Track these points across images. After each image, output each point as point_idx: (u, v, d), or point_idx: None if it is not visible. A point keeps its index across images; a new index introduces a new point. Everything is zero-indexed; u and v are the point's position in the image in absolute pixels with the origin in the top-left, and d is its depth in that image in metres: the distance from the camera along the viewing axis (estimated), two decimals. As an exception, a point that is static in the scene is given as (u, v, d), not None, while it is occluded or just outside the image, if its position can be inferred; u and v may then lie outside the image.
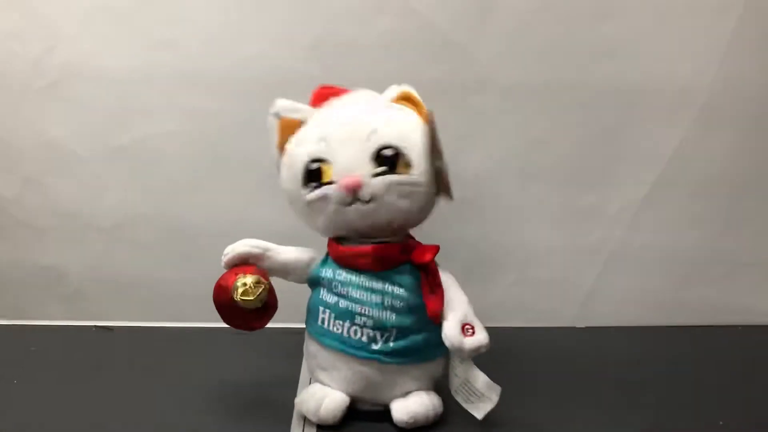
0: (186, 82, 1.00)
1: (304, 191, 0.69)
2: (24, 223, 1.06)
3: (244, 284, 0.68)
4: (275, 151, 0.74)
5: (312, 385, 0.74)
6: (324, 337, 0.71)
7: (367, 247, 0.69)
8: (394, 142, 0.67)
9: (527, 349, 0.91)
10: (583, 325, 1.01)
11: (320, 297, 0.72)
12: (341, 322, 0.70)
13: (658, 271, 1.07)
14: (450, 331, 0.66)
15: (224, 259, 0.73)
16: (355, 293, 0.69)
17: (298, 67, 0.98)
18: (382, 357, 0.69)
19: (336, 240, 0.72)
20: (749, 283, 1.08)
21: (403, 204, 0.68)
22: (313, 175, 0.68)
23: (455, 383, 0.70)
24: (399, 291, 0.69)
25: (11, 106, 1.02)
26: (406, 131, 0.68)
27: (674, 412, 0.75)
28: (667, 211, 1.05)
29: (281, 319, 0.92)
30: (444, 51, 0.98)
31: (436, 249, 0.70)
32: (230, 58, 0.99)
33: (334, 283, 0.71)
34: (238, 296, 0.68)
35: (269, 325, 0.93)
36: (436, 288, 0.69)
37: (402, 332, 0.69)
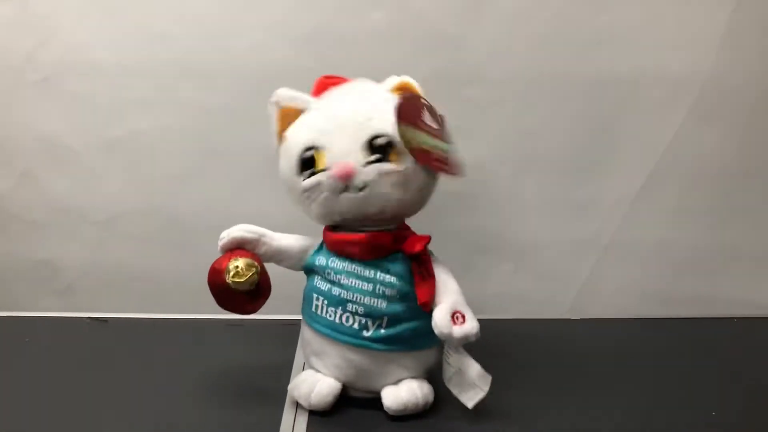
0: (180, 75, 1.00)
1: (299, 179, 0.70)
2: (18, 216, 1.06)
3: (236, 267, 0.69)
4: (275, 139, 0.74)
5: (305, 371, 0.75)
6: (317, 323, 0.72)
7: (359, 235, 0.70)
8: (387, 131, 0.67)
9: (523, 341, 0.92)
10: (578, 317, 1.01)
11: (314, 284, 0.73)
12: (334, 309, 0.70)
13: (653, 262, 1.07)
14: (439, 319, 0.66)
15: (220, 243, 0.74)
16: (347, 281, 0.70)
17: (293, 60, 0.98)
18: (373, 344, 0.69)
19: (330, 228, 0.73)
20: (743, 275, 1.08)
21: (396, 193, 0.68)
22: (308, 163, 0.69)
23: (448, 372, 0.70)
24: (390, 279, 0.69)
25: (5, 99, 1.02)
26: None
27: (668, 403, 0.75)
28: (662, 203, 1.05)
29: (276, 310, 0.93)
30: (438, 43, 0.98)
31: (427, 239, 0.70)
32: (225, 51, 0.99)
33: (327, 271, 0.71)
34: (229, 278, 0.69)
35: (263, 316, 0.93)
36: (428, 277, 0.69)
37: (393, 320, 0.69)
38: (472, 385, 0.68)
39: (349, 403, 0.72)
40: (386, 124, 0.67)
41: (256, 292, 0.72)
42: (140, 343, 0.89)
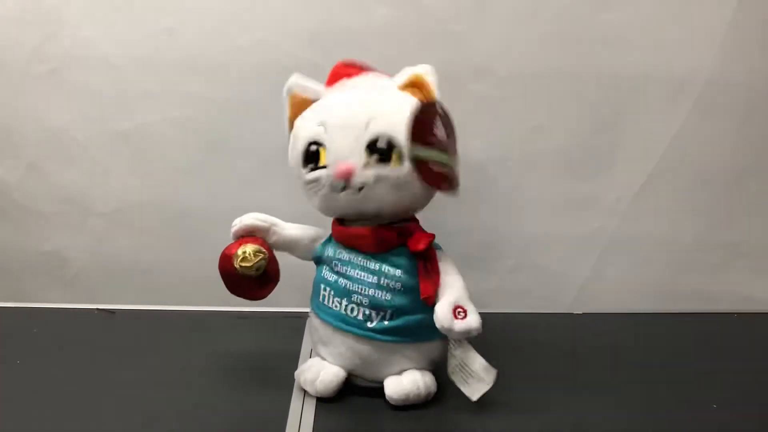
0: (186, 69, 1.00)
1: (303, 170, 0.71)
2: (26, 208, 1.06)
3: (244, 252, 0.71)
4: (287, 125, 0.76)
5: (312, 359, 0.76)
6: (324, 313, 0.73)
7: (365, 229, 0.71)
8: (390, 133, 0.67)
9: (525, 335, 0.92)
10: (580, 312, 1.02)
11: (322, 275, 0.74)
12: (339, 300, 0.71)
13: (655, 258, 1.08)
14: (441, 313, 0.67)
15: (233, 230, 0.75)
16: (353, 272, 0.71)
17: (297, 55, 0.99)
18: (377, 335, 0.70)
19: (338, 220, 0.74)
20: (745, 271, 1.08)
21: (393, 196, 0.69)
22: (312, 157, 0.70)
23: (452, 364, 0.70)
24: (396, 272, 0.70)
25: (12, 92, 1.02)
26: (404, 124, 0.68)
27: (669, 397, 0.76)
28: (664, 200, 1.06)
29: (282, 302, 0.94)
30: (443, 39, 0.99)
31: (431, 237, 0.71)
32: (230, 45, 1.00)
33: (334, 262, 0.73)
34: (237, 263, 0.71)
35: (270, 308, 0.95)
36: (432, 272, 0.70)
37: (398, 312, 0.70)
38: (476, 378, 0.69)
39: (354, 392, 0.73)
40: (389, 125, 0.67)
41: (264, 278, 0.74)
42: (147, 334, 0.90)
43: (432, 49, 0.98)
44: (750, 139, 1.04)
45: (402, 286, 0.70)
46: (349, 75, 0.74)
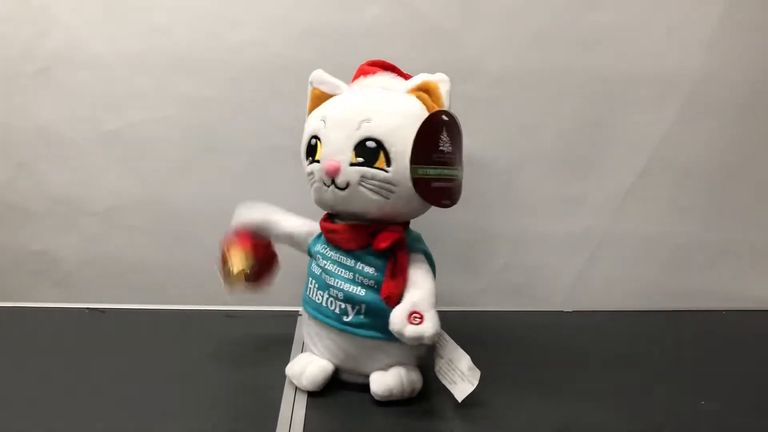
0: (177, 68, 1.01)
1: (305, 163, 0.73)
2: (17, 207, 1.06)
3: (228, 270, 0.76)
4: (307, 117, 0.77)
5: (302, 353, 0.77)
6: (309, 306, 0.75)
7: (341, 225, 0.72)
8: (380, 136, 0.67)
9: (516, 332, 0.93)
10: (570, 309, 1.03)
11: (311, 268, 0.76)
12: (321, 293, 0.73)
13: (644, 257, 1.08)
14: (394, 316, 0.66)
15: (232, 224, 0.79)
16: (332, 267, 0.72)
17: (289, 54, 0.99)
18: (354, 329, 0.71)
19: (325, 216, 0.76)
20: (733, 269, 1.09)
21: (375, 198, 0.69)
22: (311, 150, 0.72)
23: (438, 363, 0.71)
24: (368, 270, 0.70)
25: (3, 91, 1.02)
26: (399, 128, 0.68)
27: (658, 393, 0.76)
28: (654, 199, 1.06)
29: (273, 301, 0.94)
30: (434, 39, 0.99)
31: (395, 236, 0.70)
32: (222, 45, 1.00)
33: (318, 256, 0.74)
34: (224, 279, 0.77)
35: (261, 307, 0.95)
36: (398, 273, 0.69)
37: (372, 308, 0.70)
38: (461, 377, 0.69)
39: (341, 386, 0.74)
40: (380, 127, 0.68)
41: (257, 276, 0.77)
42: (138, 333, 0.90)
43: (423, 48, 0.98)
44: (738, 139, 1.05)
45: (376, 283, 0.70)
46: (366, 73, 0.75)
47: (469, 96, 1.00)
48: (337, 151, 0.68)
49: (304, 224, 0.78)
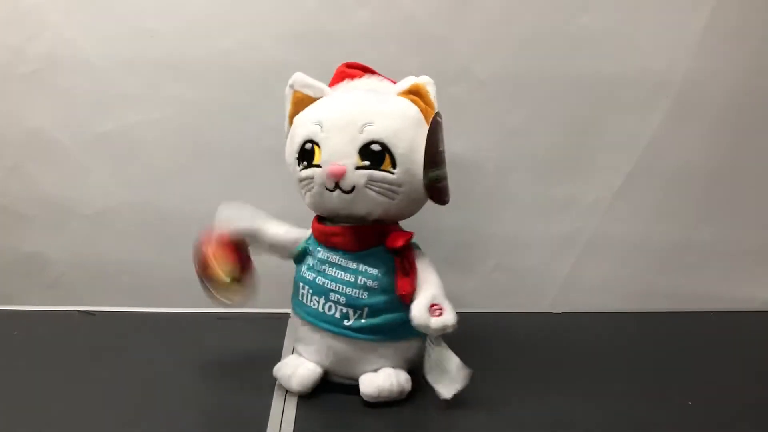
0: (168, 71, 1.01)
1: (297, 167, 0.73)
2: (7, 209, 1.06)
3: (212, 284, 0.75)
4: (286, 121, 0.77)
5: (291, 355, 0.77)
6: (302, 311, 0.75)
7: (345, 228, 0.72)
8: (384, 138, 0.69)
9: (506, 334, 0.94)
10: (560, 311, 1.03)
11: (301, 273, 0.75)
12: (317, 298, 0.73)
13: (633, 259, 1.09)
14: (417, 310, 0.68)
15: (217, 226, 0.77)
16: (331, 271, 0.72)
17: (279, 57, 0.99)
18: (354, 333, 0.72)
19: (319, 219, 0.75)
20: (721, 271, 1.10)
21: (381, 200, 0.70)
22: (306, 155, 0.71)
23: (428, 363, 0.71)
24: (372, 271, 0.71)
25: (-6, 93, 1.02)
26: (400, 130, 0.69)
27: (646, 393, 0.77)
28: (642, 201, 1.07)
29: (264, 303, 0.94)
30: (423, 42, 1.00)
31: (410, 235, 0.72)
32: (212, 48, 1.00)
33: (313, 261, 0.74)
34: (210, 290, 0.75)
35: (252, 309, 0.95)
36: (410, 270, 0.71)
37: (374, 311, 0.71)
38: (450, 377, 0.70)
39: (331, 389, 0.74)
40: (384, 130, 0.69)
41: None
42: (128, 336, 0.90)
43: (413, 51, 0.99)
44: (725, 141, 1.05)
45: (379, 285, 0.71)
46: (352, 77, 0.76)
47: (459, 99, 1.00)
48: (341, 155, 0.69)
49: (289, 231, 0.77)
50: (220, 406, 0.72)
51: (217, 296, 0.75)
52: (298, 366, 0.74)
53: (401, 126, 0.70)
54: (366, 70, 0.77)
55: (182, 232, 1.03)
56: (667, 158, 1.05)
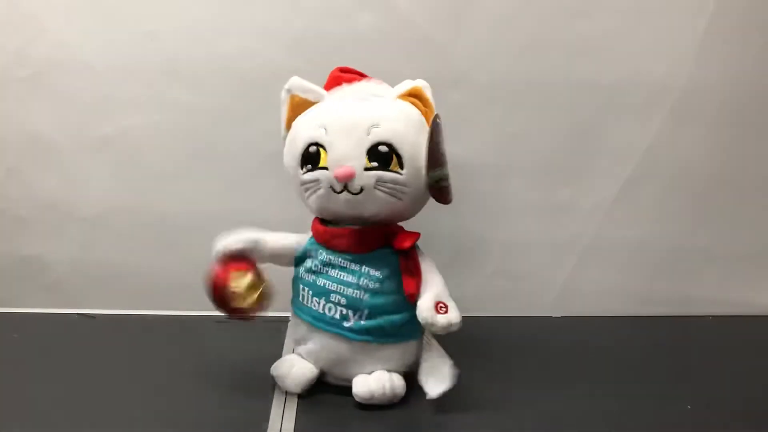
0: (168, 75, 1.01)
1: (300, 171, 0.73)
2: (7, 212, 1.05)
3: (237, 288, 0.72)
4: (283, 125, 0.77)
5: (289, 355, 0.78)
6: (302, 312, 0.75)
7: (350, 230, 0.73)
8: (391, 140, 0.69)
9: (505, 338, 0.94)
10: (559, 315, 1.04)
11: (300, 275, 0.76)
12: (318, 300, 0.73)
13: (632, 263, 1.09)
14: (424, 307, 0.69)
15: (217, 255, 0.75)
16: (333, 273, 0.73)
17: (279, 62, 0.99)
18: (353, 335, 0.72)
19: (321, 220, 0.76)
20: (719, 275, 1.10)
21: (390, 200, 0.71)
22: (311, 158, 0.72)
23: (424, 366, 0.73)
24: (376, 273, 0.72)
25: (-7, 96, 1.02)
26: (406, 131, 0.71)
27: (645, 396, 0.77)
28: (640, 206, 1.07)
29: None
30: (423, 47, 1.00)
31: (416, 236, 0.73)
32: (213, 52, 1.00)
33: (314, 263, 0.74)
34: (231, 303, 0.72)
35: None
36: (415, 271, 0.72)
37: (374, 312, 0.72)
38: (441, 377, 0.70)
39: (327, 389, 0.75)
40: (391, 131, 0.70)
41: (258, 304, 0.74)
42: (128, 339, 0.90)
43: (413, 57, 0.99)
44: (723, 146, 1.06)
45: (381, 286, 0.72)
46: (348, 80, 0.76)
47: (458, 104, 1.01)
48: (349, 157, 0.70)
49: (288, 238, 0.78)
50: (220, 408, 0.72)
51: (245, 307, 0.73)
52: (294, 366, 0.75)
53: (406, 128, 0.71)
54: (360, 75, 0.77)
55: (182, 235, 1.05)
56: (666, 163, 1.06)
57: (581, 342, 0.94)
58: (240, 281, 0.72)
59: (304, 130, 0.74)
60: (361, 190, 0.70)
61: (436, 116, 0.71)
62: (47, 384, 0.76)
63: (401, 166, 0.70)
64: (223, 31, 0.99)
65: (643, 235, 1.08)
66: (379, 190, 0.70)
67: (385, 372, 0.73)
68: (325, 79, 0.80)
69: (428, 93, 0.75)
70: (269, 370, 0.77)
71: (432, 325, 0.69)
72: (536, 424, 0.71)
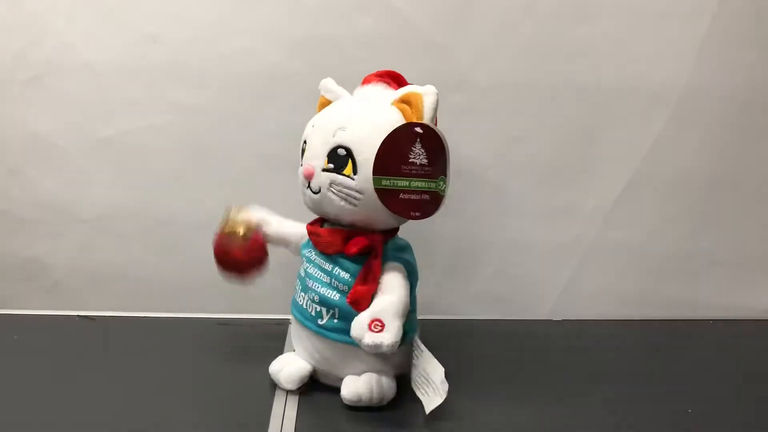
0: (169, 76, 1.01)
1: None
2: (7, 214, 1.05)
3: (227, 217, 0.79)
4: None
5: (286, 353, 0.79)
6: (294, 307, 0.77)
7: (322, 230, 0.75)
8: (349, 144, 0.69)
9: (505, 341, 0.94)
10: (559, 318, 1.04)
11: (299, 270, 0.78)
12: (303, 295, 0.75)
13: (632, 266, 1.09)
14: (356, 321, 0.67)
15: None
16: (312, 270, 0.74)
17: (281, 63, 0.99)
18: (328, 333, 0.73)
19: (316, 219, 0.78)
20: (720, 279, 1.10)
21: (342, 204, 0.71)
22: (302, 154, 0.75)
23: (413, 373, 0.71)
24: (343, 275, 0.72)
25: (-5, 97, 1.02)
26: (369, 137, 0.69)
27: (646, 400, 0.77)
28: (641, 209, 1.07)
29: (263, 309, 0.94)
30: (425, 50, 1.00)
31: (364, 242, 0.71)
32: (214, 53, 1.00)
33: (304, 259, 0.77)
34: (222, 224, 0.79)
35: (251, 315, 0.95)
36: (370, 279, 0.70)
37: (345, 313, 0.71)
38: (434, 389, 0.68)
39: (320, 388, 0.76)
40: (354, 137, 0.69)
41: (249, 255, 0.78)
42: (128, 341, 0.90)
43: (414, 59, 0.99)
44: (724, 149, 1.06)
45: (349, 288, 0.71)
46: (366, 83, 0.77)
47: (459, 106, 1.01)
48: (315, 156, 0.71)
49: (299, 226, 0.79)
50: (219, 412, 0.72)
51: (222, 230, 0.79)
52: (288, 363, 0.76)
53: (370, 133, 0.69)
54: (392, 77, 0.76)
55: (183, 237, 1.05)
56: (667, 167, 1.06)
57: (581, 345, 0.94)
58: (235, 215, 0.79)
59: (306, 127, 0.76)
60: (319, 190, 0.71)
61: (416, 125, 0.69)
62: (47, 385, 0.76)
63: (355, 172, 0.69)
64: (224, 32, 1.00)
65: (643, 238, 1.08)
66: (331, 192, 0.70)
67: (374, 374, 0.73)
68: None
69: (428, 100, 0.70)
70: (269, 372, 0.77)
71: (359, 342, 0.66)
72: (536, 428, 0.71)
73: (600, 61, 1.01)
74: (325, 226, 0.76)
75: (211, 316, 0.97)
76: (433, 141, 0.70)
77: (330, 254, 0.73)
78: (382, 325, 0.66)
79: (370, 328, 0.66)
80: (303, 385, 0.75)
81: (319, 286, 0.73)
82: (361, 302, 0.69)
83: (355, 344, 0.69)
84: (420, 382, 0.70)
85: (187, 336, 0.92)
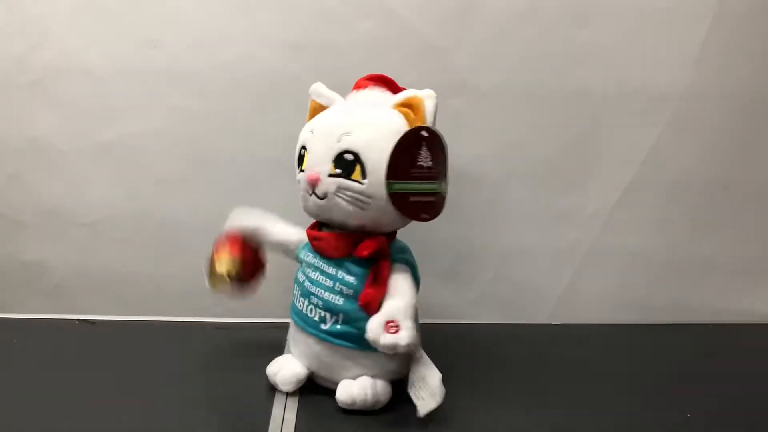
0: (170, 81, 1.01)
1: (297, 171, 0.75)
2: (7, 217, 1.06)
3: (211, 273, 0.78)
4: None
5: (283, 355, 0.79)
6: (293, 311, 0.77)
7: (326, 234, 0.74)
8: (357, 148, 0.69)
9: (504, 345, 0.94)
10: (558, 322, 1.03)
11: (296, 275, 0.78)
12: (303, 300, 0.75)
13: (631, 270, 1.09)
14: (372, 323, 0.67)
15: (226, 226, 0.81)
16: (314, 275, 0.74)
17: (281, 68, 1.00)
18: (330, 338, 0.72)
19: (315, 223, 0.77)
20: (718, 283, 1.10)
21: (351, 209, 0.70)
22: (300, 160, 0.74)
23: (411, 378, 0.71)
24: (349, 279, 0.72)
25: (-4, 101, 1.03)
26: (376, 141, 0.69)
27: (644, 404, 0.77)
28: (641, 213, 1.08)
29: (261, 313, 0.94)
30: (424, 54, 1.00)
31: (376, 245, 0.71)
32: (214, 58, 1.00)
33: (304, 263, 0.76)
34: (207, 278, 0.79)
35: (250, 319, 0.96)
36: (379, 281, 0.71)
37: (349, 317, 0.71)
38: (430, 394, 0.69)
39: (317, 391, 0.76)
40: (361, 142, 0.69)
41: (241, 280, 0.79)
42: (128, 344, 0.90)
43: (414, 64, 0.99)
44: (723, 154, 1.06)
45: (354, 293, 0.71)
46: (360, 87, 0.76)
47: (459, 111, 1.01)
48: (319, 162, 0.71)
49: (295, 232, 0.79)
50: (218, 416, 0.72)
51: (208, 281, 0.79)
52: (285, 365, 0.76)
53: (378, 137, 0.69)
54: (384, 81, 0.76)
55: (182, 241, 1.05)
56: (666, 171, 1.06)
57: (580, 349, 0.94)
58: (217, 265, 0.77)
59: (302, 133, 0.76)
60: (325, 195, 0.71)
61: (422, 129, 0.70)
62: (47, 389, 0.76)
63: (363, 176, 0.69)
64: (224, 37, 1.00)
65: (642, 242, 1.08)
66: (339, 197, 0.70)
67: (369, 378, 0.73)
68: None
69: (429, 103, 0.71)
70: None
71: (375, 343, 0.67)
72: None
73: (599, 66, 1.02)
74: (324, 230, 0.75)
75: (210, 320, 0.97)
76: (436, 144, 0.71)
77: (335, 258, 0.73)
78: (397, 326, 0.67)
79: (386, 330, 0.67)
80: (301, 388, 0.75)
81: (322, 291, 0.73)
82: (373, 305, 0.69)
83: (356, 348, 0.71)
84: (417, 386, 0.70)
85: (186, 340, 0.92)
